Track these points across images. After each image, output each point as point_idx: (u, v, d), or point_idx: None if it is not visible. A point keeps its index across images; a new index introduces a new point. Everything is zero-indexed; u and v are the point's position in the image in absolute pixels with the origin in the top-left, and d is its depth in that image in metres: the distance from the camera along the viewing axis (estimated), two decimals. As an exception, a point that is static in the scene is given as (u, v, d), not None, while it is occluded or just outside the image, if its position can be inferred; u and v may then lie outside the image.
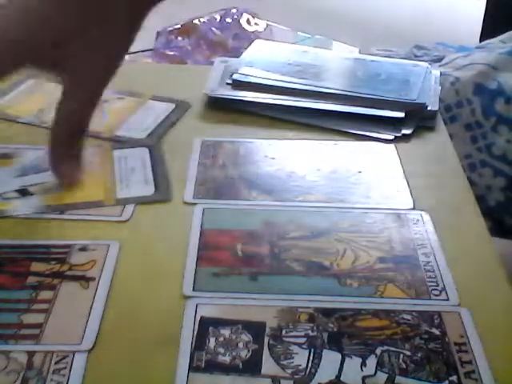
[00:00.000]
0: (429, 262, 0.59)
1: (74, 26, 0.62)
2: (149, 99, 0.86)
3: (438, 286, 0.57)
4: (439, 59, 1.44)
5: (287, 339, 0.51)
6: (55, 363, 0.48)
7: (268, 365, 0.49)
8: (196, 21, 1.98)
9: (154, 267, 0.58)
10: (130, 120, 0.81)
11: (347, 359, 0.49)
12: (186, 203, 0.67)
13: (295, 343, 0.51)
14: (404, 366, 0.49)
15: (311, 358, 0.49)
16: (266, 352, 0.50)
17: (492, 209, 1.25)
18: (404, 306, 0.54)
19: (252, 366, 0.49)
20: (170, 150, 0.76)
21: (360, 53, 1.91)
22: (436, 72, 0.92)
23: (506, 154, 1.24)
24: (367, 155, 0.76)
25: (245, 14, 2.07)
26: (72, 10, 0.61)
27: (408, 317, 0.53)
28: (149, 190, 0.68)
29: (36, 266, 0.57)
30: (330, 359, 0.49)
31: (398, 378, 0.48)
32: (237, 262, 0.59)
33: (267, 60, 0.92)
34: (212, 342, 0.50)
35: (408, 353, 0.50)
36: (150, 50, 1.92)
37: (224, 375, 0.48)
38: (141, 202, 0.66)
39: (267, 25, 2.10)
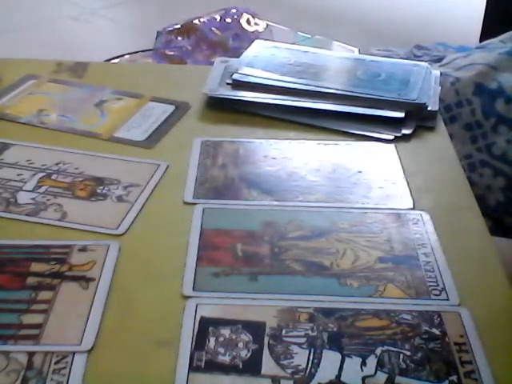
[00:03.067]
0: (429, 262, 0.59)
1: None
2: (149, 101, 0.86)
3: (437, 285, 0.56)
4: (439, 59, 1.44)
5: (287, 339, 0.51)
6: (55, 363, 0.48)
7: (268, 365, 0.49)
8: (196, 21, 1.98)
9: (153, 267, 0.58)
10: (129, 121, 0.81)
11: (347, 359, 0.49)
12: (186, 203, 0.67)
13: (295, 343, 0.50)
14: (404, 365, 0.49)
15: (311, 357, 0.49)
16: (266, 352, 0.50)
17: (492, 209, 1.25)
18: (404, 305, 0.54)
19: (252, 366, 0.49)
20: (170, 150, 0.76)
21: (360, 53, 1.90)
22: (436, 72, 0.92)
23: (506, 154, 1.23)
24: (367, 155, 0.76)
25: (245, 14, 2.07)
26: None
27: (408, 317, 0.53)
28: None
29: (36, 267, 0.57)
30: (330, 359, 0.49)
31: (398, 378, 0.48)
32: (237, 262, 0.59)
33: (267, 60, 0.91)
34: (212, 342, 0.50)
35: (408, 353, 0.50)
36: (150, 50, 1.92)
37: (224, 375, 0.48)
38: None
39: (267, 25, 2.09)
